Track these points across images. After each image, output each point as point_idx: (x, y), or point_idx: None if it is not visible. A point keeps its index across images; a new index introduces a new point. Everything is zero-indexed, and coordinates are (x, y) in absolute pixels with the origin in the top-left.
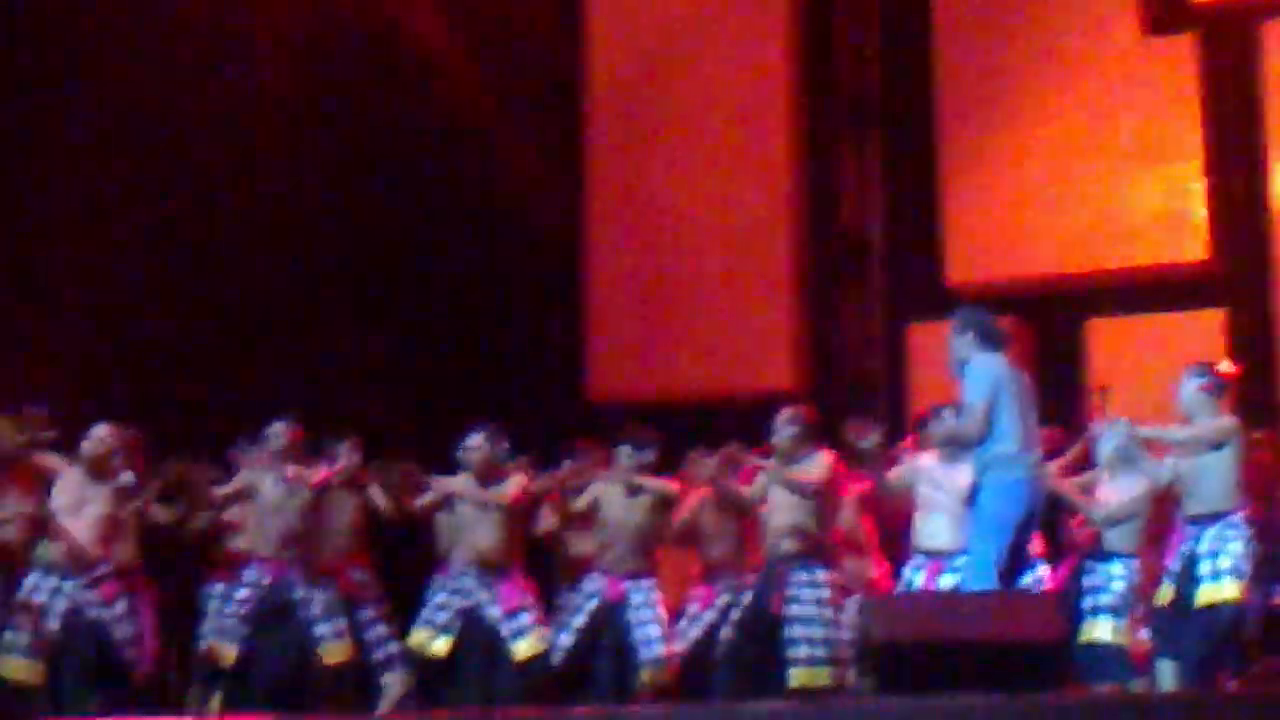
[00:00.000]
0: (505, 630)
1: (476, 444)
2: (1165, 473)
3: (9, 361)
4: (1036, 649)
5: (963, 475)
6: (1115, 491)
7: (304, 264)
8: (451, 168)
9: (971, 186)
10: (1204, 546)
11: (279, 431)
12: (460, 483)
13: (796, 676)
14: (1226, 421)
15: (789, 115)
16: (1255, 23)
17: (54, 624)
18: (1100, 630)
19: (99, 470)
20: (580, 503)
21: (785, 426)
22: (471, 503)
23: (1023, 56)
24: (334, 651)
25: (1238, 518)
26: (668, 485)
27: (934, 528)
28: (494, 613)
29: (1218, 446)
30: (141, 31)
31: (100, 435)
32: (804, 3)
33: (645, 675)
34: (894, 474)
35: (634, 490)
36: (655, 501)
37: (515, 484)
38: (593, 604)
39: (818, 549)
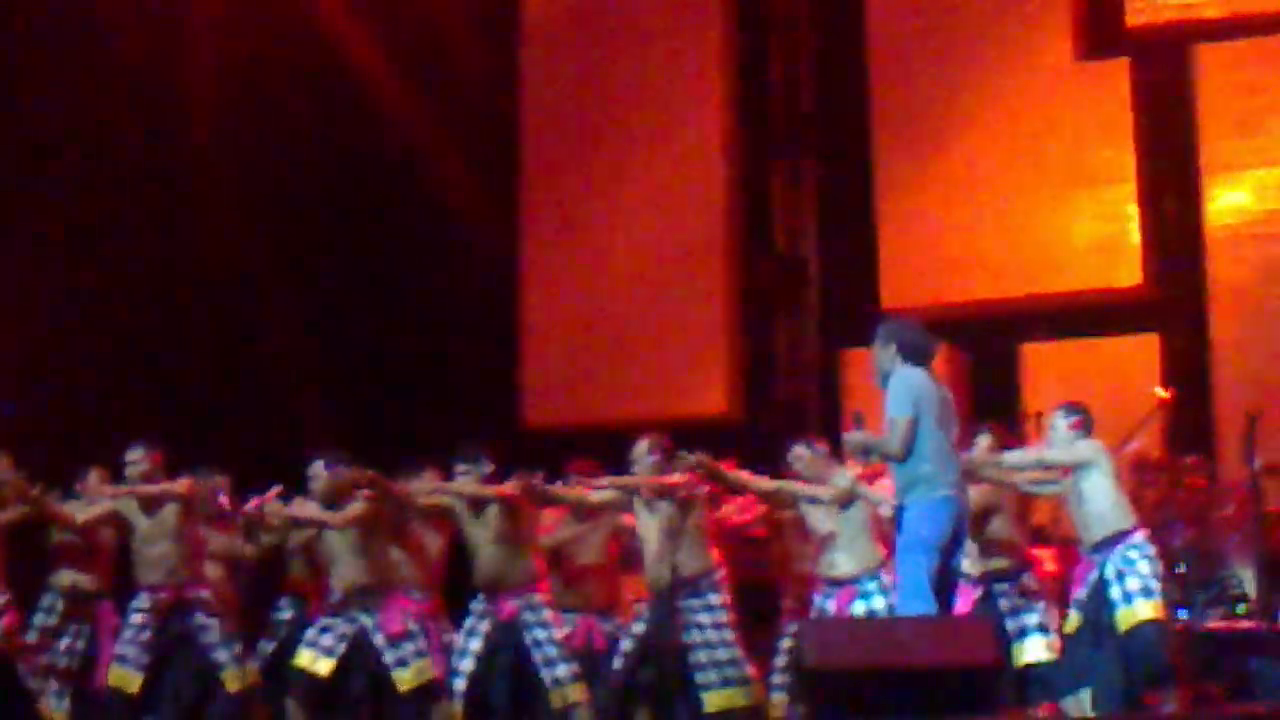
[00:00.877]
0: (389, 659)
1: (316, 472)
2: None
3: None
4: (972, 674)
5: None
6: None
7: (237, 291)
8: (386, 197)
9: (905, 212)
10: (1110, 571)
11: (138, 457)
12: (299, 508)
13: (711, 701)
14: (1083, 444)
15: (724, 142)
16: (1188, 46)
17: None
18: (1034, 651)
19: None
20: (427, 500)
21: (645, 457)
22: (321, 528)
23: (956, 82)
24: (233, 678)
25: (1138, 536)
26: (503, 490)
27: (831, 557)
28: (379, 639)
29: (1084, 470)
30: (81, 65)
31: None
32: (738, 31)
33: (555, 699)
34: (778, 485)
35: (477, 506)
36: (501, 513)
37: (357, 506)
38: (485, 625)
39: (703, 572)
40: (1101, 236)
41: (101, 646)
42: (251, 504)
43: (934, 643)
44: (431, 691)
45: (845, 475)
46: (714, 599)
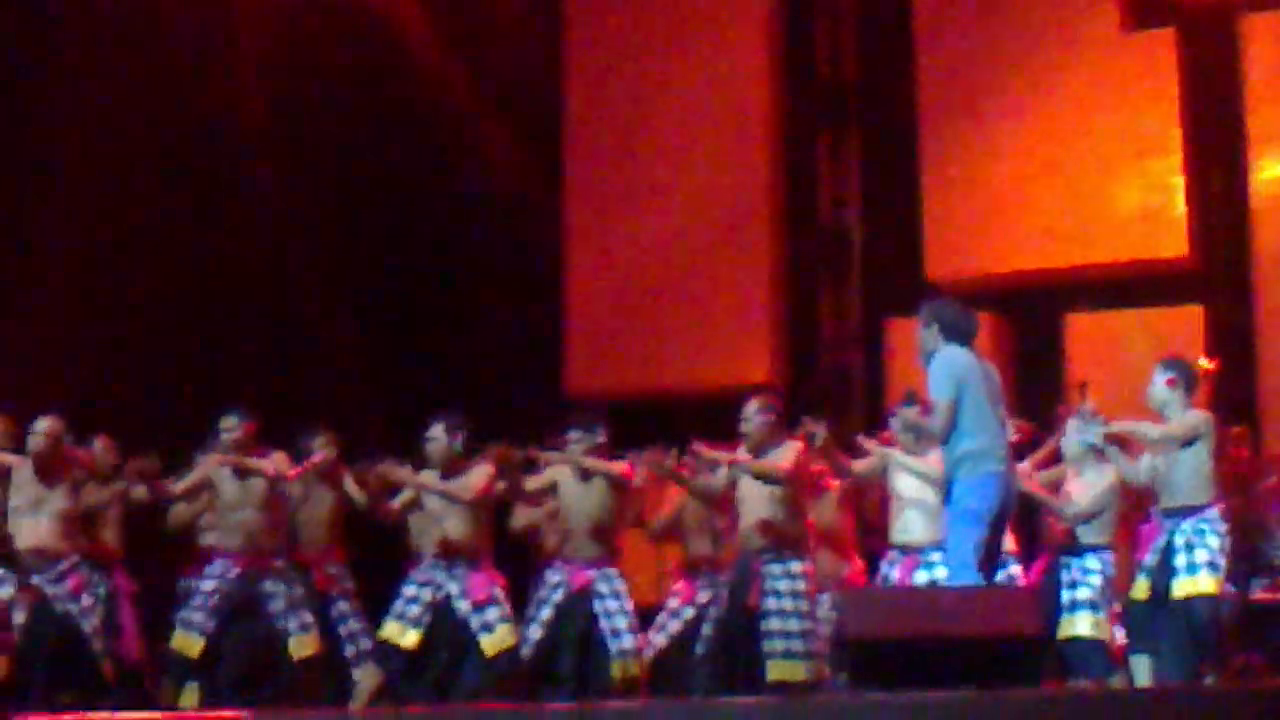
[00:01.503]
0: (474, 624)
1: (436, 434)
2: (1142, 471)
3: None
4: (1014, 644)
5: (932, 465)
6: (1082, 487)
7: (285, 258)
8: (433, 164)
9: (950, 182)
10: (1179, 540)
11: (232, 425)
12: (425, 477)
13: (773, 670)
14: (1198, 416)
15: (768, 111)
16: (1235, 17)
17: (20, 618)
18: (1080, 625)
19: (47, 466)
20: (533, 483)
21: (755, 416)
22: (437, 496)
23: (1002, 52)
24: (302, 645)
25: (1213, 512)
26: (615, 467)
27: (906, 522)
28: (463, 606)
29: (1190, 441)
30: (133, 40)
31: (42, 430)
32: (782, 1)
33: (616, 669)
34: (864, 463)
35: (585, 475)
36: (609, 486)
37: (480, 475)
38: (558, 595)
39: (791, 541)
40: (1147, 207)
41: (122, 613)
42: (293, 470)
43: (977, 613)
44: (513, 657)
45: None
46: (796, 567)
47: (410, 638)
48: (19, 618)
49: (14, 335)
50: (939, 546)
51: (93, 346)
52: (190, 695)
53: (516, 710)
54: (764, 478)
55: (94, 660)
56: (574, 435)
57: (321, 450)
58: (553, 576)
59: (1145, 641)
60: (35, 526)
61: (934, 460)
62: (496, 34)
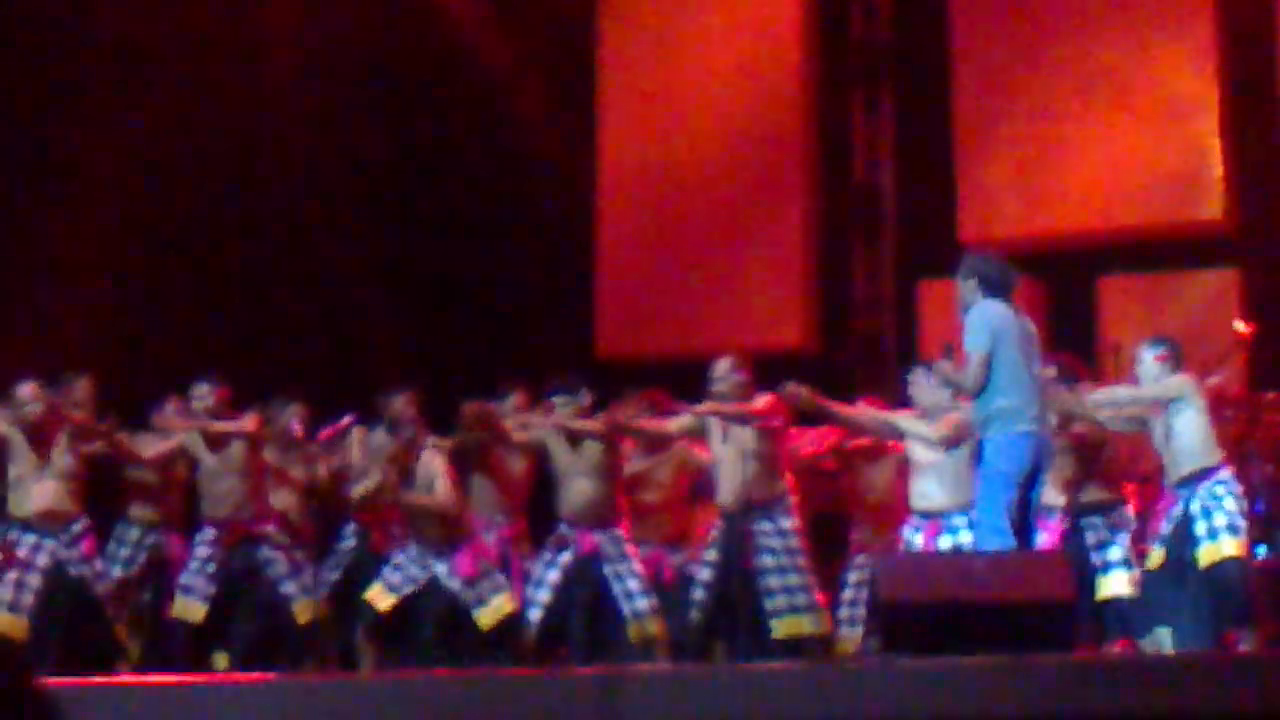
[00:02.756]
0: (468, 598)
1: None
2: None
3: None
4: (1046, 609)
5: (930, 430)
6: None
7: (317, 223)
8: (464, 127)
9: (985, 143)
10: (1195, 506)
11: (204, 391)
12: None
13: (780, 627)
14: (1177, 379)
15: (801, 71)
16: None
17: (36, 580)
18: (1117, 584)
19: (36, 431)
20: (518, 436)
21: (729, 374)
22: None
23: (1036, 13)
24: (303, 609)
25: (1225, 473)
26: (596, 426)
27: (925, 487)
28: (453, 584)
29: (1176, 405)
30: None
31: (23, 397)
32: None
33: (633, 631)
34: (877, 418)
35: (574, 438)
36: (602, 447)
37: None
38: (564, 557)
39: (776, 498)
40: (1183, 169)
41: (172, 580)
42: (324, 432)
43: (1008, 577)
44: (514, 624)
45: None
46: (785, 523)
47: (384, 602)
48: (34, 582)
49: (38, 298)
50: (962, 510)
51: (123, 327)
52: (221, 660)
53: (540, 675)
54: (736, 419)
55: (108, 625)
56: (559, 400)
57: (294, 418)
58: (557, 537)
59: (1163, 612)
60: (42, 490)
61: (949, 421)
62: (532, 2)
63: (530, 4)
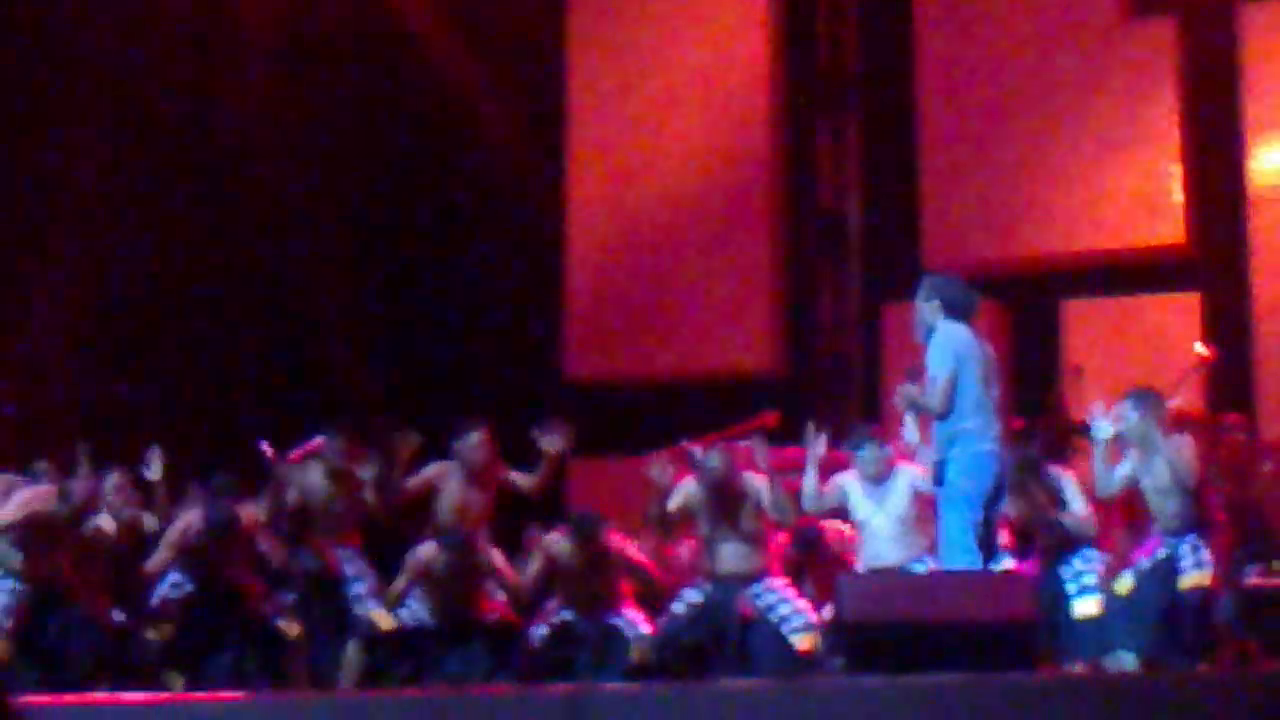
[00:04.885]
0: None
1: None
2: (1116, 482)
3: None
4: (1008, 628)
5: (896, 493)
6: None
7: (285, 252)
8: (433, 151)
9: (949, 168)
10: (1185, 548)
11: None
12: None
13: (800, 643)
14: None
15: (768, 97)
16: (1234, 7)
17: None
18: (1093, 606)
19: None
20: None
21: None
22: None
23: (1001, 39)
24: (290, 627)
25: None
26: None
27: (875, 549)
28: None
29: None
30: (138, 31)
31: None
32: None
33: (634, 652)
34: (825, 491)
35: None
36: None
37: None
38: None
39: (763, 568)
40: (1144, 194)
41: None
42: (294, 453)
43: (971, 597)
44: (512, 633)
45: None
46: (773, 583)
47: (389, 622)
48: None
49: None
50: (917, 560)
51: (101, 339)
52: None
53: (512, 692)
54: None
55: (95, 641)
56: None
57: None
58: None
59: (1127, 638)
60: None
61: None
62: (498, 12)
63: (499, 30)
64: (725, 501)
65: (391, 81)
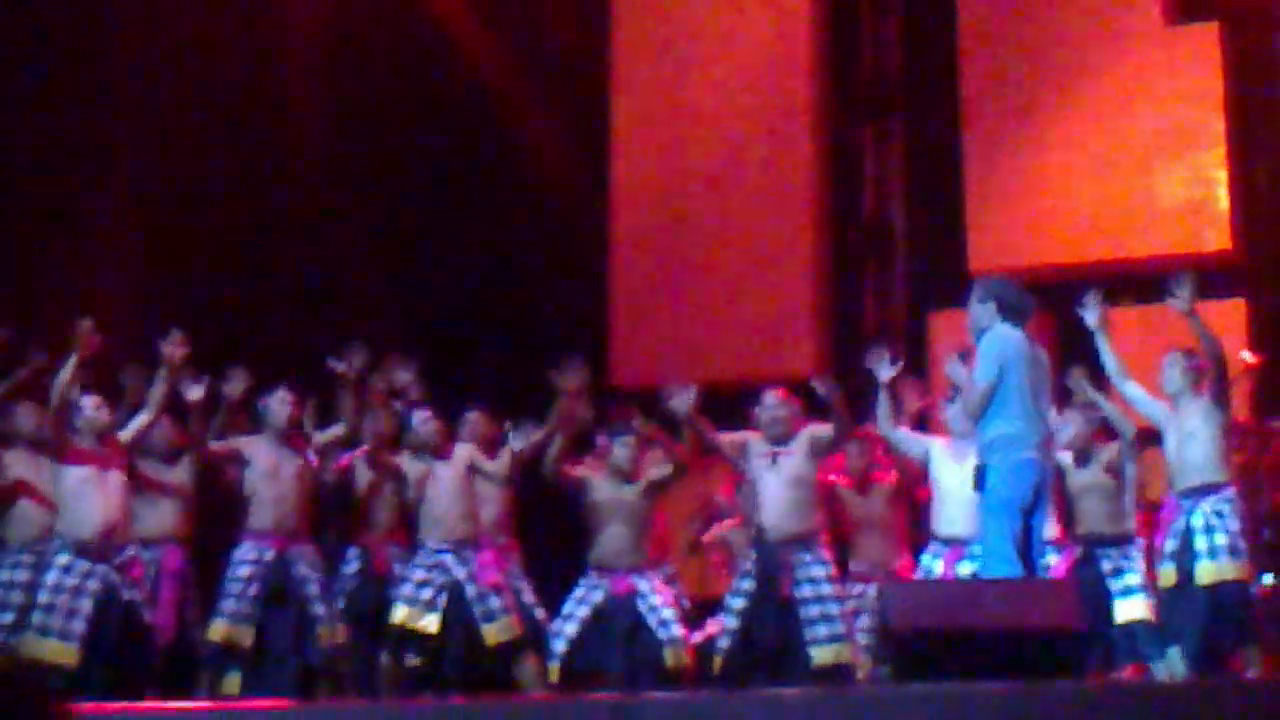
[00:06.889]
0: (477, 611)
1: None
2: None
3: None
4: (1053, 636)
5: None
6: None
7: (330, 254)
8: (478, 152)
9: (993, 175)
10: (1198, 521)
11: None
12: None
13: (821, 655)
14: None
15: (812, 103)
16: (1279, 11)
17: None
18: (1137, 609)
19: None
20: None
21: (779, 408)
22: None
23: (1045, 45)
24: (329, 632)
25: (1231, 492)
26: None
27: (950, 514)
28: (471, 590)
29: (1207, 412)
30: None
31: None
32: None
33: (670, 656)
34: (908, 439)
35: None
36: (643, 489)
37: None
38: (597, 596)
39: (815, 530)
40: (1190, 200)
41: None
42: (342, 460)
43: (1016, 605)
44: (517, 647)
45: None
46: (823, 553)
47: (430, 621)
48: (85, 607)
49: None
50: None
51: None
52: (232, 684)
53: (557, 700)
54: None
55: (155, 651)
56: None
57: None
58: (590, 581)
59: (1173, 631)
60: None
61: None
62: (545, 20)
63: (543, 33)
64: None
65: (434, 88)
